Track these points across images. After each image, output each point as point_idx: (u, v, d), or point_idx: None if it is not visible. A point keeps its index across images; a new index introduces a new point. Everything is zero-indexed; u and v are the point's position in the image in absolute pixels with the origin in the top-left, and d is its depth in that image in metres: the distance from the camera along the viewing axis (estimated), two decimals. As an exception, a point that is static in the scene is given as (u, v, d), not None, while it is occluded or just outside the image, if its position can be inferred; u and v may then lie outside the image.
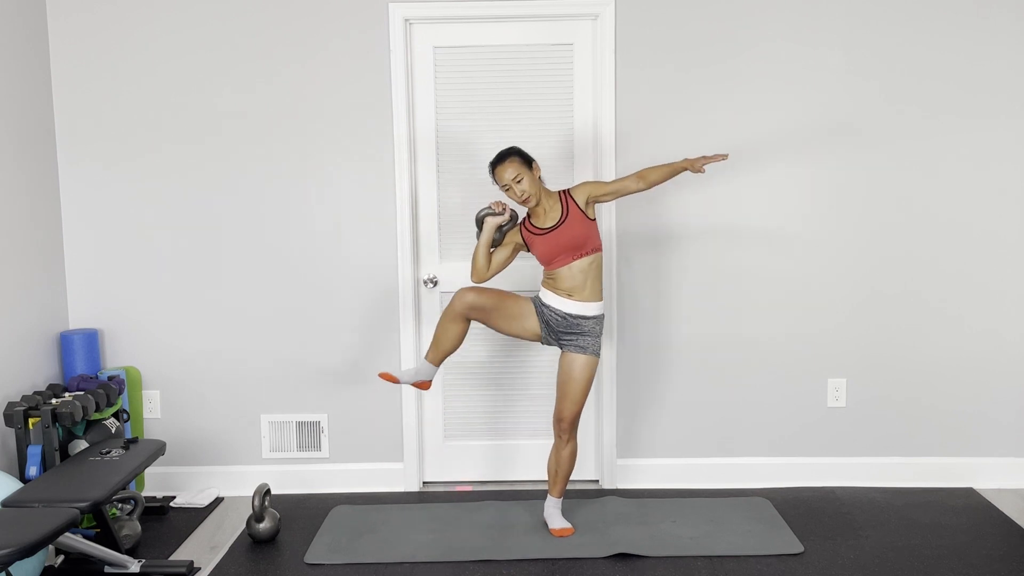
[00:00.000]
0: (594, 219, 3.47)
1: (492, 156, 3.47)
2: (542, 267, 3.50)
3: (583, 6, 3.93)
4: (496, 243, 3.54)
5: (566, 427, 3.52)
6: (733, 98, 3.96)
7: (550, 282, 3.48)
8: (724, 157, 3.45)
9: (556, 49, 4.00)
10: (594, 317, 3.46)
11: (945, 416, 4.11)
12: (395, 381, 3.51)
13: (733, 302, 4.07)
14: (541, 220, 3.45)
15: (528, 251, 3.52)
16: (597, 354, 3.49)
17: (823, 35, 3.92)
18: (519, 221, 3.54)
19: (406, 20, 3.94)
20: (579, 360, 3.45)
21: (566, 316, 3.43)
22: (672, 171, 3.43)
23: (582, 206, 3.43)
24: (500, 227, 3.50)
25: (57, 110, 4.00)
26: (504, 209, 3.47)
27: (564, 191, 3.48)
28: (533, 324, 3.49)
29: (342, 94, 3.98)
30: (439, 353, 3.53)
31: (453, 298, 3.47)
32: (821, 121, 3.97)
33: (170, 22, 3.96)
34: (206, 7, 3.95)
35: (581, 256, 3.41)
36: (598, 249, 3.46)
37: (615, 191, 3.47)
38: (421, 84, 4.02)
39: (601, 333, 3.51)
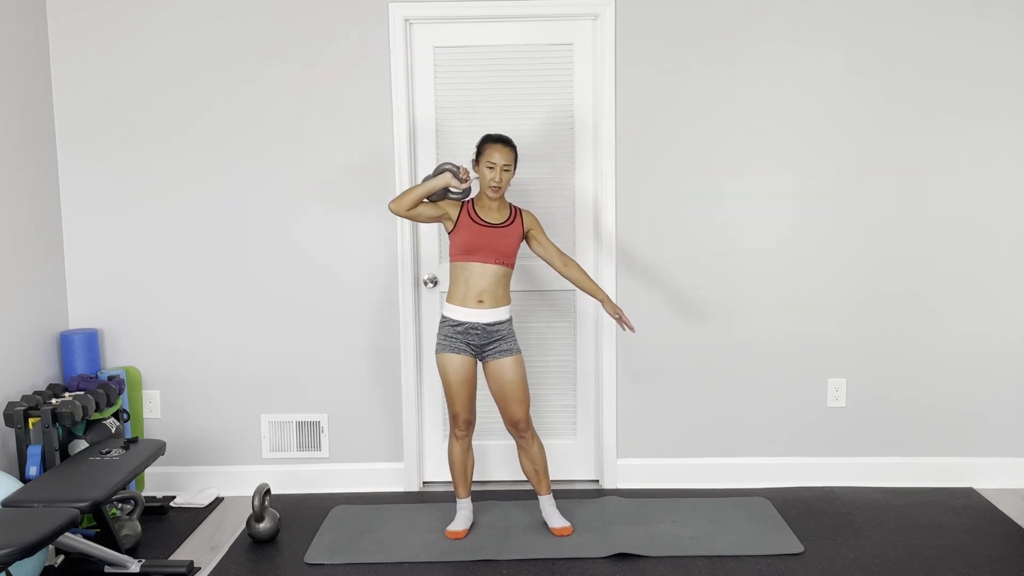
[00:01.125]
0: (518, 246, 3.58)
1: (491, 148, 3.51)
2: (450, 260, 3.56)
3: (583, 6, 3.93)
4: (433, 199, 3.55)
5: (524, 427, 3.60)
6: (733, 98, 3.96)
7: (457, 288, 3.51)
8: (630, 328, 3.63)
9: (556, 49, 4.00)
10: (508, 320, 3.57)
11: (945, 416, 4.11)
12: (465, 532, 3.63)
13: (733, 302, 4.07)
14: (485, 214, 3.53)
15: (450, 230, 3.54)
16: (520, 351, 3.59)
17: (823, 35, 3.92)
18: (463, 201, 3.58)
19: (406, 20, 3.94)
20: (507, 362, 3.53)
21: (486, 327, 3.50)
22: (592, 290, 3.62)
23: (524, 229, 3.56)
24: (449, 189, 3.53)
25: (57, 110, 4.00)
26: (467, 179, 3.52)
27: (516, 208, 3.59)
28: (473, 367, 3.55)
29: (342, 93, 3.98)
30: (467, 485, 3.69)
31: (450, 443, 3.65)
32: (821, 121, 3.97)
33: (170, 22, 3.96)
34: (206, 7, 3.95)
35: (499, 263, 3.50)
36: (511, 267, 3.55)
37: (543, 248, 3.61)
38: (421, 84, 4.02)
39: (515, 332, 3.61)
